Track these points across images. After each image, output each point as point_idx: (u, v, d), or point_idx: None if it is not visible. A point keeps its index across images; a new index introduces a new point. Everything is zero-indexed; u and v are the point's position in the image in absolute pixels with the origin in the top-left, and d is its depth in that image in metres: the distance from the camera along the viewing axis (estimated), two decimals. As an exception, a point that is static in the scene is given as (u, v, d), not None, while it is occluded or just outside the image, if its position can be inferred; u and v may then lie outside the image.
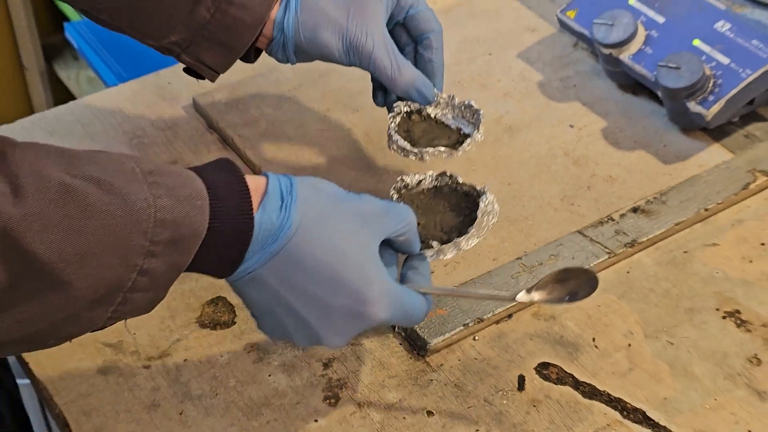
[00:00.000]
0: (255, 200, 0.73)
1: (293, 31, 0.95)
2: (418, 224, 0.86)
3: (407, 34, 1.00)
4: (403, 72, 0.95)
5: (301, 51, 0.97)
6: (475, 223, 0.87)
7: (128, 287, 0.68)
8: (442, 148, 0.94)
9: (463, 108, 0.98)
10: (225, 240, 0.71)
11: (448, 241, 0.87)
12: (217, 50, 0.95)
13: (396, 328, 0.92)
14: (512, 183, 1.06)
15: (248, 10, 0.92)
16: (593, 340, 0.91)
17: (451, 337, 0.91)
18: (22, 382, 1.11)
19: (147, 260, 0.68)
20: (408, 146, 0.94)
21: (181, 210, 0.68)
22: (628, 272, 0.97)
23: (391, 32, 0.99)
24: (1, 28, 2.26)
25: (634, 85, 1.17)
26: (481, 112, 0.96)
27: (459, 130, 0.98)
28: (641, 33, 1.13)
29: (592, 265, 0.96)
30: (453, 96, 0.98)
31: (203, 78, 0.98)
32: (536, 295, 0.80)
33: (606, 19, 1.13)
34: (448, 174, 0.91)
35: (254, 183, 0.74)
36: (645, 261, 0.99)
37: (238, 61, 0.98)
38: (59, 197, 0.65)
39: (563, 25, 1.20)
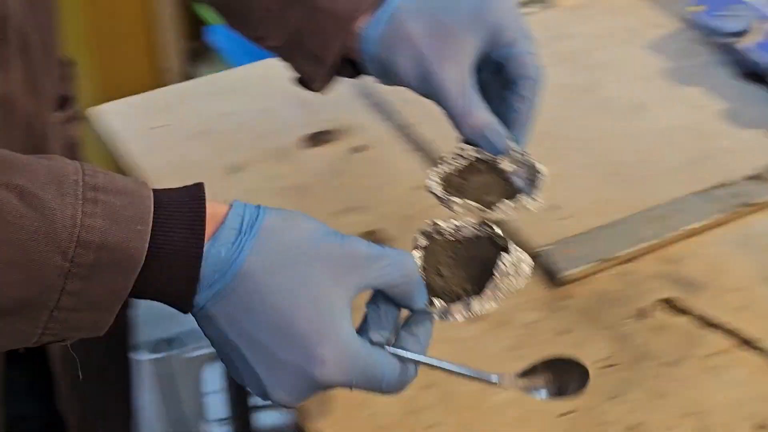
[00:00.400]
0: (209, 230, 0.66)
1: (374, 47, 0.88)
2: (440, 276, 0.77)
3: (502, 75, 0.89)
4: (473, 114, 0.86)
5: (382, 71, 0.90)
6: (491, 284, 0.76)
7: (53, 306, 0.63)
8: (475, 204, 0.85)
9: (528, 166, 0.87)
10: (170, 270, 0.65)
11: (458, 299, 0.77)
12: (310, 60, 0.91)
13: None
14: (639, 150, 1.18)
15: (335, 18, 0.88)
16: (712, 281, 1.02)
17: (584, 270, 1.02)
18: None
19: (70, 281, 0.62)
20: (439, 191, 0.85)
21: (117, 233, 0.63)
22: (745, 230, 1.08)
23: (486, 71, 0.90)
24: (144, 31, 2.42)
25: (753, 73, 1.29)
26: (542, 176, 0.86)
27: (517, 191, 0.87)
28: (759, 25, 1.25)
29: (707, 221, 1.07)
30: (526, 152, 0.88)
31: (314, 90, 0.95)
32: (521, 383, 0.77)
33: (727, 11, 1.26)
34: (490, 225, 0.80)
35: (214, 211, 0.67)
36: (762, 220, 1.09)
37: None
38: None
39: (688, 20, 1.33)
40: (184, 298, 0.67)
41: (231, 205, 0.68)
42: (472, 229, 0.80)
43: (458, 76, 0.85)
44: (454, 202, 0.84)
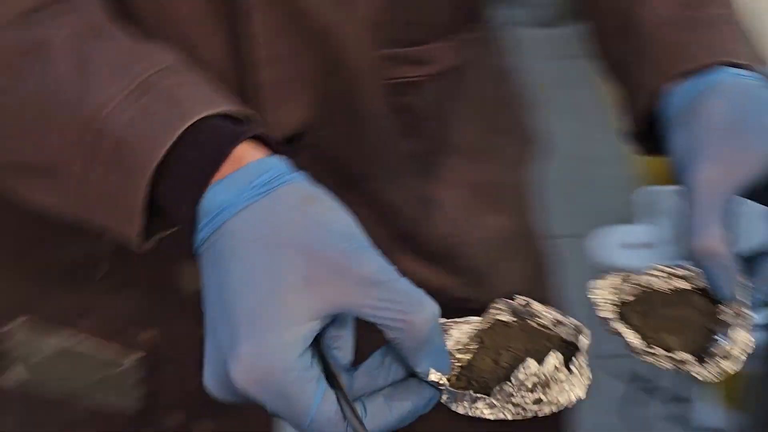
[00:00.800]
0: (229, 169, 0.61)
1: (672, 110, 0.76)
2: (494, 362, 0.64)
3: None
4: (704, 235, 0.69)
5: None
6: (499, 392, 0.61)
7: (75, 175, 0.64)
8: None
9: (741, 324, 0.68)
10: (175, 191, 0.62)
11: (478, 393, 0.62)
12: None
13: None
14: None
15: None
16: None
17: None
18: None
19: (85, 163, 0.63)
20: (628, 335, 0.68)
21: (139, 130, 0.62)
22: None
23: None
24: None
25: None
26: (748, 345, 0.67)
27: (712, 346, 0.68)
28: None
29: None
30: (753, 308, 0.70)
31: None
32: None
33: None
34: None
35: (247, 153, 0.62)
36: None
37: None
38: (28, 49, 0.65)
39: None
40: (190, 232, 0.62)
41: (269, 155, 0.62)
42: (568, 329, 0.65)
43: (719, 184, 0.69)
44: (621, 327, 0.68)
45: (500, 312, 0.66)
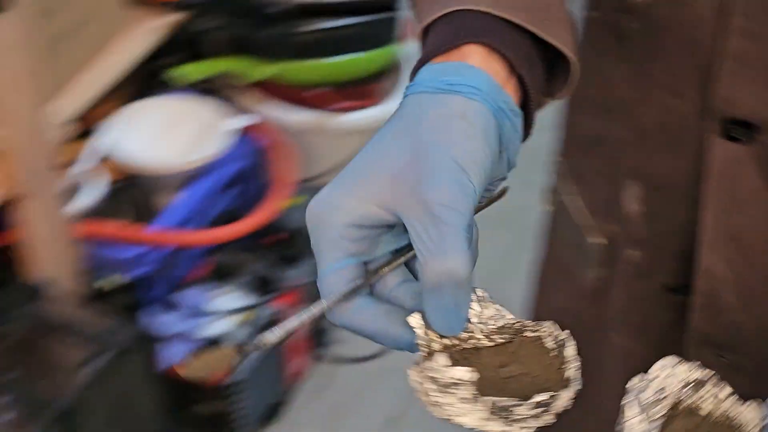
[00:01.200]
0: (448, 57, 0.64)
1: None
2: (501, 366, 0.61)
3: None
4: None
5: None
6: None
7: None
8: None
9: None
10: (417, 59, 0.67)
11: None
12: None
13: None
14: None
15: None
16: None
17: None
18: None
19: None
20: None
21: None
22: None
23: None
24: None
25: None
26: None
27: None
28: None
29: None
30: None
31: None
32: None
33: None
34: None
35: (470, 52, 0.64)
36: None
37: None
38: None
39: None
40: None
41: (484, 66, 0.63)
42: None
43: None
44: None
45: (547, 336, 0.61)
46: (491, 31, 0.64)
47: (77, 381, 1.51)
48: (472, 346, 0.60)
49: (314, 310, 0.60)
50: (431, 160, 0.59)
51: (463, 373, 0.57)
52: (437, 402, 0.57)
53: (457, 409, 0.57)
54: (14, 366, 1.51)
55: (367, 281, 0.60)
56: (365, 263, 0.61)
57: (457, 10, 0.65)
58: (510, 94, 0.64)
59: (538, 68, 0.66)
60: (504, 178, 0.65)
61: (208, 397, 1.72)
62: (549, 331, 0.61)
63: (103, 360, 1.53)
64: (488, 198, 0.65)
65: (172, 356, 1.71)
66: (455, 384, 0.57)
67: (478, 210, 0.62)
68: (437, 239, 0.57)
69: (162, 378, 1.68)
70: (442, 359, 0.57)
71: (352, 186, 0.60)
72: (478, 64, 0.63)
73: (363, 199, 0.60)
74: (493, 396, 0.57)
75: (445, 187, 0.58)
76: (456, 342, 0.60)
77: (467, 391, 0.57)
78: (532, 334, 0.61)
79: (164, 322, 1.73)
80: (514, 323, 0.61)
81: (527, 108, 0.65)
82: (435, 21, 0.66)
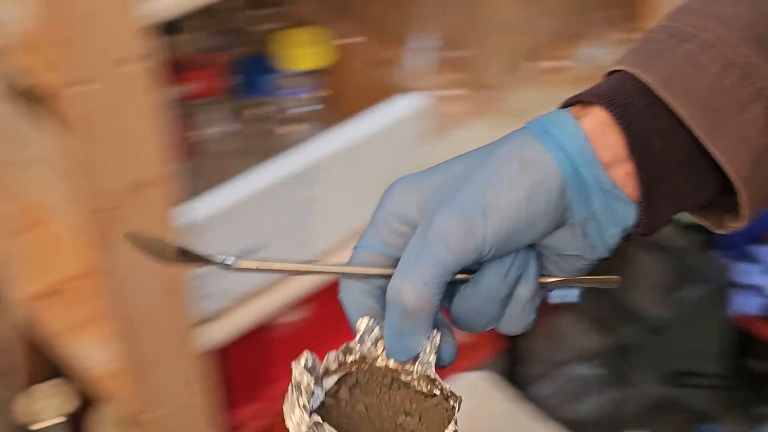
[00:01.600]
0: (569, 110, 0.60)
1: None
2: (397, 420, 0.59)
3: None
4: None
5: None
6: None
7: None
8: None
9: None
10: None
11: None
12: None
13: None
14: None
15: None
16: None
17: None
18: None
19: None
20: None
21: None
22: None
23: None
24: None
25: None
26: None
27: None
28: None
29: None
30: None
31: None
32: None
33: None
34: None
35: (584, 109, 0.60)
36: None
37: None
38: None
39: None
40: None
41: (581, 122, 0.59)
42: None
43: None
44: None
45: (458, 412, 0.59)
46: (631, 104, 0.58)
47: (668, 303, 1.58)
48: (397, 377, 0.59)
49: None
50: (465, 189, 0.57)
51: (317, 418, 0.56)
52: (290, 403, 0.57)
53: (291, 420, 0.56)
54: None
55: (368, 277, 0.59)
56: (397, 260, 0.58)
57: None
58: (620, 175, 0.58)
59: (690, 173, 0.59)
60: (593, 261, 0.60)
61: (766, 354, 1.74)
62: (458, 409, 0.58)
63: (700, 290, 1.60)
64: (581, 278, 0.61)
65: (744, 306, 1.73)
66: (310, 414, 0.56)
67: (559, 283, 0.60)
68: (412, 260, 0.56)
69: (730, 323, 1.71)
70: (329, 382, 0.58)
71: (414, 181, 0.60)
72: (586, 126, 0.58)
73: (409, 195, 0.60)
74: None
75: (451, 219, 0.57)
76: (393, 367, 0.59)
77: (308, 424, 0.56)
78: (450, 405, 0.58)
79: (742, 270, 1.75)
80: (445, 386, 0.58)
81: (653, 200, 0.58)
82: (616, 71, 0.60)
